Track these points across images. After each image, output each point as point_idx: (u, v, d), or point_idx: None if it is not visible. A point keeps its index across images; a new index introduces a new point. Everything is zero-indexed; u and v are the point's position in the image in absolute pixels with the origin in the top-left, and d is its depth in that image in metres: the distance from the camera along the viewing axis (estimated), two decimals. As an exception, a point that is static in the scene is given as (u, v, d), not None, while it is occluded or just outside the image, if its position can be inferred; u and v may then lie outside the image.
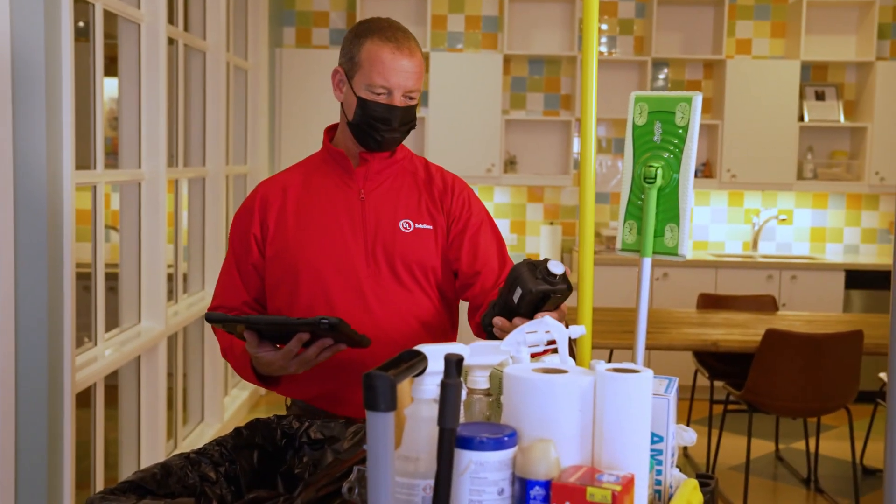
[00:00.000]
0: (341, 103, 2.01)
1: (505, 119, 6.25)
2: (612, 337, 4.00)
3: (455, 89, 6.07)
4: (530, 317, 1.67)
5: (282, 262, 1.98)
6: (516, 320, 1.67)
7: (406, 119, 1.95)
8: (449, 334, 2.06)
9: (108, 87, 3.88)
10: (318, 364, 1.79)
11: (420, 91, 1.96)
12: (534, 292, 1.65)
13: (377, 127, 1.94)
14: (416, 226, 1.99)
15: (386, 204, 1.99)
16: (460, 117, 6.10)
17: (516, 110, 6.49)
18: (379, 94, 1.92)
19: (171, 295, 4.37)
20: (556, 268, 1.65)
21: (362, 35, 1.93)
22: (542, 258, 1.70)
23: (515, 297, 1.68)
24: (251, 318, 1.76)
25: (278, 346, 1.78)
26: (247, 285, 2.03)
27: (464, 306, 2.11)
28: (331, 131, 2.11)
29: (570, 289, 1.68)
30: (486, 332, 1.78)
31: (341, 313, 1.89)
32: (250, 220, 2.02)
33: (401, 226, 1.98)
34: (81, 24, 3.51)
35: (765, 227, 6.49)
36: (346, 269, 1.95)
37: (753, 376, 3.97)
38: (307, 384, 1.97)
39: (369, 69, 1.91)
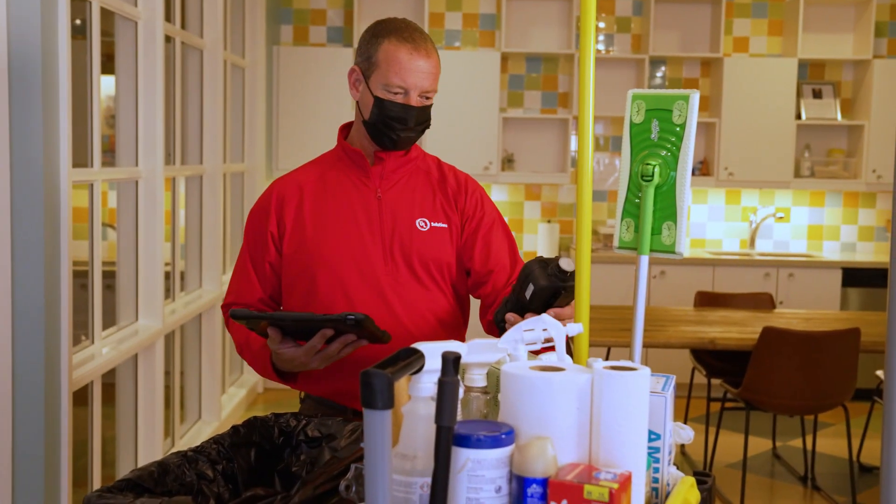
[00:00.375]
0: (357, 102, 2.03)
1: (502, 117, 6.25)
2: (610, 335, 4.00)
3: (453, 87, 6.07)
4: (542, 312, 1.70)
5: (300, 260, 2.00)
6: (528, 316, 1.70)
7: (421, 119, 1.97)
8: (462, 330, 2.09)
9: (105, 85, 3.88)
10: (337, 360, 1.81)
11: (436, 91, 1.98)
12: (545, 289, 1.69)
13: (393, 126, 1.96)
14: (432, 224, 2.02)
15: (402, 202, 2.02)
16: (458, 115, 6.10)
17: (514, 108, 6.49)
18: (396, 94, 1.94)
19: (169, 293, 4.37)
20: (566, 265, 1.68)
21: (380, 35, 1.96)
22: (552, 256, 1.73)
23: (527, 294, 1.72)
24: (276, 314, 1.79)
25: (299, 342, 1.80)
26: (262, 283, 2.05)
27: (475, 303, 2.13)
28: (345, 129, 2.12)
29: None
30: (498, 328, 1.80)
31: (361, 310, 1.91)
32: (267, 219, 2.04)
33: (417, 224, 2.01)
34: (78, 21, 3.50)
35: (762, 224, 6.50)
36: (364, 267, 1.97)
37: (750, 374, 3.97)
38: (325, 380, 1.98)
39: (386, 69, 1.93)
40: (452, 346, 1.25)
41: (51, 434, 2.82)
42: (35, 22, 2.69)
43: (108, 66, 3.91)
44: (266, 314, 1.76)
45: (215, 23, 4.83)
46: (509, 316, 1.74)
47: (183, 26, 4.54)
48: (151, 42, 3.86)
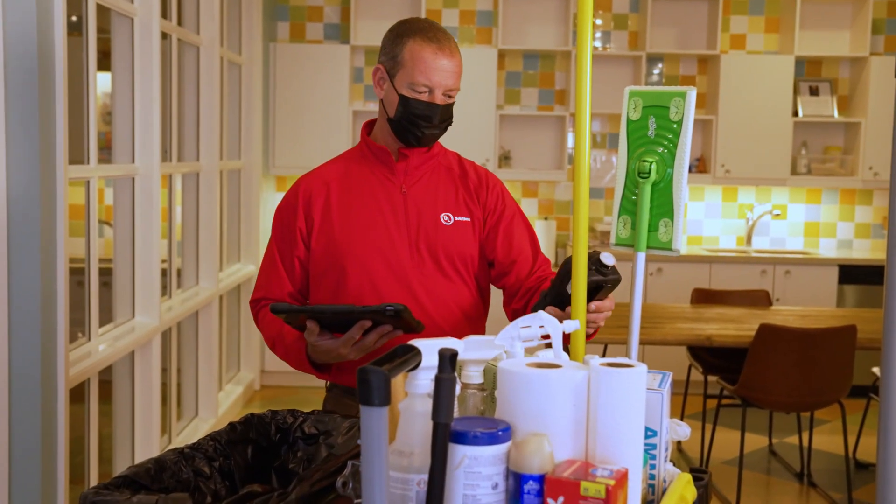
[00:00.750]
0: (381, 100, 2.08)
1: (499, 114, 6.25)
2: (606, 331, 3.99)
3: (449, 84, 6.06)
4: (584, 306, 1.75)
5: (328, 255, 2.05)
6: (569, 309, 1.74)
7: (445, 116, 2.05)
8: (483, 322, 2.16)
9: (102, 82, 3.87)
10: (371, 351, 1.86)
11: (459, 89, 2.05)
12: (588, 283, 1.73)
13: (418, 124, 2.02)
14: (456, 218, 2.09)
15: (426, 198, 2.09)
16: (455, 112, 6.08)
17: (511, 105, 6.49)
18: (421, 93, 2.00)
19: (165, 290, 4.37)
20: (608, 259, 1.73)
21: (404, 35, 2.02)
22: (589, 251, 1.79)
23: (570, 288, 1.75)
24: (317, 307, 1.85)
25: (334, 335, 1.85)
26: (291, 278, 2.10)
27: (493, 296, 2.20)
28: (367, 126, 2.18)
29: (620, 279, 1.76)
30: None
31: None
32: (294, 215, 2.09)
33: (441, 219, 2.07)
34: (74, 18, 3.50)
35: (759, 222, 6.50)
36: (392, 261, 2.03)
37: (747, 371, 3.98)
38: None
39: (412, 68, 1.99)
40: (449, 342, 1.25)
41: (47, 431, 2.82)
42: (31, 19, 2.69)
43: (104, 63, 3.91)
44: (307, 307, 1.82)
45: (212, 19, 4.82)
46: (550, 309, 1.78)
47: (179, 23, 4.53)
48: (148, 39, 3.86)
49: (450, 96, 2.03)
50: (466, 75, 7.02)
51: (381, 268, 2.03)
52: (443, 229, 2.06)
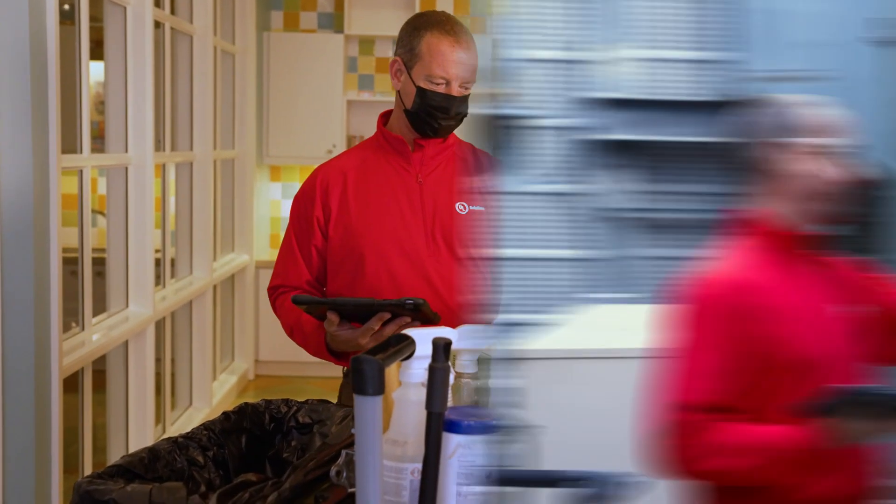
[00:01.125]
0: (398, 91, 2.12)
1: (493, 104, 6.24)
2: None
3: (444, 74, 6.04)
4: None
5: (345, 243, 2.10)
6: None
7: (461, 108, 2.08)
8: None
9: (95, 71, 3.86)
10: None
11: (475, 81, 2.09)
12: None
13: (435, 115, 2.06)
14: (471, 207, 2.13)
15: (442, 187, 2.13)
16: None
17: (505, 95, 6.48)
18: (438, 85, 2.04)
19: (159, 280, 4.36)
20: None
21: (422, 28, 2.06)
22: None
23: None
24: (338, 300, 1.92)
25: (353, 325, 1.90)
26: (308, 266, 2.15)
27: None
28: (383, 117, 2.22)
29: None
30: None
31: (407, 292, 2.00)
32: (312, 204, 2.13)
33: (457, 208, 2.11)
34: (67, 6, 3.49)
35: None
36: (409, 249, 2.08)
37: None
38: None
39: (429, 60, 2.04)
40: (443, 332, 1.25)
41: (41, 421, 2.82)
42: (23, 7, 2.67)
43: (97, 52, 3.89)
44: (328, 300, 1.89)
45: (205, 8, 4.81)
46: None
47: (172, 12, 4.51)
48: (141, 28, 3.84)
49: (466, 88, 2.07)
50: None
51: (397, 256, 2.07)
52: (458, 218, 2.10)
